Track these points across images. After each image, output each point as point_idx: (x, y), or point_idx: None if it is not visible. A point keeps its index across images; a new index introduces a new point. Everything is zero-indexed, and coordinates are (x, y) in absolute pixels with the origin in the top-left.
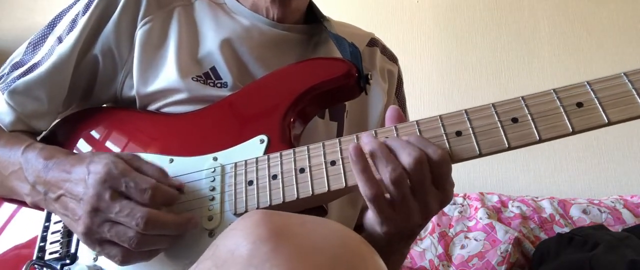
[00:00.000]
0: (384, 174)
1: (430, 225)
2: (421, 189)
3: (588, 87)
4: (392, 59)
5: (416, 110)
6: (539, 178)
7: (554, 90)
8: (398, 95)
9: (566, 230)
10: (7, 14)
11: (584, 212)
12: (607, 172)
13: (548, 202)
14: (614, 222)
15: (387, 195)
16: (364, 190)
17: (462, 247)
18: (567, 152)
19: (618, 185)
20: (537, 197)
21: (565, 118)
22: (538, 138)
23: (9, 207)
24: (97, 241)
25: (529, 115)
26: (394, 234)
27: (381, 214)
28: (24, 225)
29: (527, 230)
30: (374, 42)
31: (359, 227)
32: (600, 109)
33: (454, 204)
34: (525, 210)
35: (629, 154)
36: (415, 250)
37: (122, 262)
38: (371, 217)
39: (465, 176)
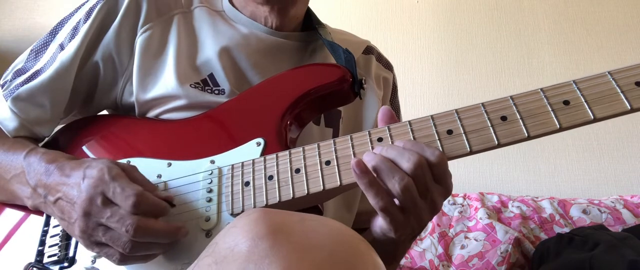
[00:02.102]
0: (392, 185)
1: (430, 226)
2: (426, 189)
3: (574, 85)
4: (388, 66)
5: (416, 109)
6: (539, 178)
7: (541, 89)
8: (393, 103)
9: (566, 230)
10: (7, 14)
11: (584, 212)
12: (607, 172)
13: (548, 202)
14: (614, 222)
15: (396, 201)
16: (375, 202)
17: (462, 247)
18: (567, 152)
19: (618, 185)
20: (537, 197)
21: (553, 115)
22: (526, 135)
23: (8, 212)
24: (95, 243)
25: (517, 113)
26: (406, 235)
27: (394, 223)
28: (24, 230)
29: (527, 231)
30: (369, 50)
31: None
32: (586, 106)
33: (454, 204)
34: (525, 210)
35: (629, 154)
36: (415, 250)
37: (120, 263)
38: (382, 225)
39: (465, 176)
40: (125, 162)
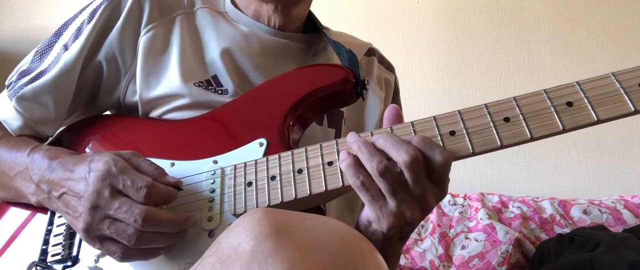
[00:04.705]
0: (371, 168)
1: (430, 226)
2: (418, 185)
3: (577, 87)
4: (389, 68)
5: (416, 109)
6: (539, 178)
7: (544, 90)
8: (395, 104)
9: (567, 230)
10: (8, 15)
11: (585, 212)
12: (607, 173)
13: (548, 202)
14: (615, 223)
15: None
16: (353, 181)
17: (463, 247)
18: (568, 152)
19: (618, 185)
20: (537, 198)
21: (556, 117)
22: (529, 136)
23: (13, 212)
24: (97, 238)
25: (520, 115)
26: (395, 230)
27: (374, 204)
28: (27, 230)
29: (527, 231)
30: (371, 52)
31: None
32: (590, 108)
33: (455, 204)
34: (525, 210)
35: (629, 154)
36: (415, 251)
37: (122, 259)
38: (369, 216)
39: (465, 176)
40: None
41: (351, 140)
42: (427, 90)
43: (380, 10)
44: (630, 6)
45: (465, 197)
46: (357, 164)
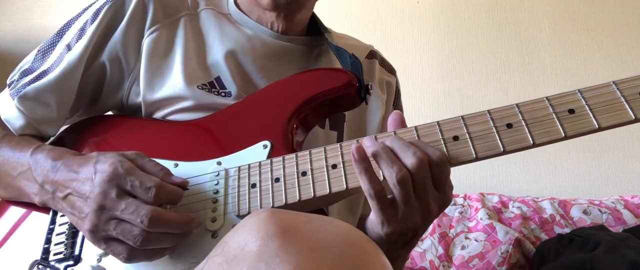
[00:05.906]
0: (389, 174)
1: (430, 226)
2: (422, 190)
3: (579, 94)
4: (391, 70)
5: (417, 110)
6: (539, 178)
7: (546, 97)
8: (396, 106)
9: (567, 230)
10: (8, 15)
11: (585, 212)
12: (607, 173)
13: (549, 202)
14: (615, 223)
15: (390, 196)
16: (366, 188)
17: (463, 247)
18: (568, 152)
19: (619, 185)
20: (537, 198)
21: (558, 123)
22: (532, 142)
23: (14, 210)
24: (103, 239)
25: (523, 121)
26: (396, 236)
27: (383, 212)
28: (30, 228)
29: (527, 231)
30: (373, 54)
31: None
32: (591, 115)
33: (455, 204)
34: (525, 210)
35: (629, 155)
36: (415, 251)
37: (127, 260)
38: (373, 219)
39: (465, 177)
40: None
41: (368, 144)
42: (427, 90)
43: (380, 10)
44: (630, 6)
45: (465, 197)
46: (372, 170)
